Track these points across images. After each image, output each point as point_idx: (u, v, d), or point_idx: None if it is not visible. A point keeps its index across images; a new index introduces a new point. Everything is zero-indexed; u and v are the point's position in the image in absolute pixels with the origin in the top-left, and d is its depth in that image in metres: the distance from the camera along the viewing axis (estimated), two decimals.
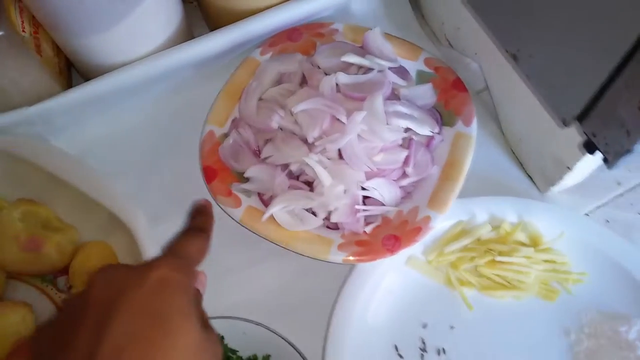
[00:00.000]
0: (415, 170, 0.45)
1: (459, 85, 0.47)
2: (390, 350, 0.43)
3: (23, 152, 0.44)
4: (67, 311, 0.27)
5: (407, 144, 0.45)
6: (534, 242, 0.45)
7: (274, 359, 0.43)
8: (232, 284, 0.46)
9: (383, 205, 0.44)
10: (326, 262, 0.43)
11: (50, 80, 0.47)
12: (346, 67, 0.47)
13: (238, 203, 0.45)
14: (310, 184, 0.45)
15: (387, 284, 0.44)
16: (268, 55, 0.50)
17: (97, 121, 0.49)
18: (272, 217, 0.44)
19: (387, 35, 0.49)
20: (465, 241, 0.45)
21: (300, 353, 0.41)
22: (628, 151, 0.33)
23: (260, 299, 0.46)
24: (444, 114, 0.47)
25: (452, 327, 0.44)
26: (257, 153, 0.47)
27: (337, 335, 0.42)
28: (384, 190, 0.44)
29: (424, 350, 0.43)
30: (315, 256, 0.43)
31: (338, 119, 0.44)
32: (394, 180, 0.45)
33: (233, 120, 0.48)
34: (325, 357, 0.42)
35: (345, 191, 0.43)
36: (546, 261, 0.45)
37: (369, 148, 0.44)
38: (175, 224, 0.46)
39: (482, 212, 0.45)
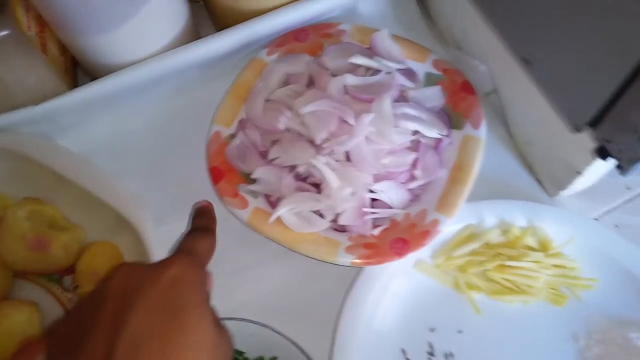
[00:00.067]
0: (424, 173, 0.44)
1: (467, 87, 0.47)
2: (397, 354, 0.43)
3: (29, 151, 0.43)
4: (85, 306, 0.28)
5: (415, 146, 0.45)
6: (544, 247, 0.45)
7: None
8: (238, 285, 0.46)
9: (391, 208, 0.44)
10: (333, 265, 0.42)
11: (56, 79, 0.46)
12: (353, 69, 0.47)
13: (245, 204, 0.44)
14: (317, 186, 0.44)
15: (394, 287, 0.44)
16: (275, 56, 0.49)
17: (102, 121, 0.49)
18: (279, 219, 0.43)
19: (395, 37, 0.49)
20: (474, 245, 0.44)
21: (307, 356, 0.41)
22: None
23: (266, 300, 0.45)
24: (452, 117, 0.47)
25: (460, 332, 0.44)
26: (263, 154, 0.46)
27: (344, 338, 0.42)
28: (391, 193, 0.44)
29: (431, 354, 0.43)
30: (322, 258, 0.42)
31: (346, 121, 0.43)
32: (401, 183, 0.44)
33: (240, 121, 0.47)
34: None
35: (352, 194, 0.43)
36: (555, 266, 0.44)
37: (376, 150, 0.43)
38: (181, 224, 0.46)
39: (491, 216, 0.45)
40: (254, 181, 0.45)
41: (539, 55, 0.36)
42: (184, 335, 0.26)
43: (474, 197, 0.44)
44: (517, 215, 0.45)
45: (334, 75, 0.46)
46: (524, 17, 0.36)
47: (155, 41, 0.46)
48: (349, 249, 0.42)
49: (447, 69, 0.48)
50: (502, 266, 0.44)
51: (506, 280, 0.44)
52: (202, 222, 0.35)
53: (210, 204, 0.37)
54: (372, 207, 0.43)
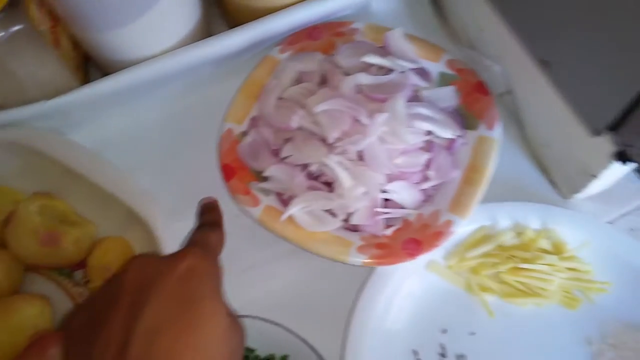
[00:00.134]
0: (437, 174, 0.44)
1: (482, 88, 0.47)
2: (409, 355, 0.43)
3: (41, 146, 0.43)
4: (100, 297, 0.29)
5: (428, 147, 0.45)
6: (557, 250, 0.44)
7: None
8: (248, 282, 0.45)
9: (403, 208, 0.44)
10: (344, 264, 0.42)
11: (68, 74, 0.46)
12: (366, 68, 0.47)
13: (256, 202, 0.44)
14: (329, 185, 0.44)
15: (406, 288, 0.44)
16: (287, 54, 0.49)
17: (114, 116, 0.49)
18: (290, 217, 0.43)
19: (409, 36, 0.49)
20: (488, 247, 0.44)
21: (319, 355, 0.41)
22: None
23: (277, 298, 0.45)
24: (466, 117, 0.46)
25: (472, 333, 0.43)
26: (276, 152, 0.46)
27: (356, 338, 0.41)
28: (404, 193, 0.43)
29: (443, 355, 0.42)
30: (334, 258, 0.42)
31: (359, 120, 0.43)
32: (414, 183, 0.44)
33: (252, 119, 0.47)
34: None
35: (365, 193, 0.43)
36: (569, 269, 0.44)
37: (390, 150, 0.43)
38: (192, 221, 0.46)
39: (505, 217, 0.45)
40: (265, 179, 0.45)
41: (558, 57, 0.35)
42: (199, 326, 0.27)
43: (487, 199, 0.44)
44: (531, 218, 0.45)
45: (346, 74, 0.46)
46: (543, 19, 0.36)
47: (168, 38, 0.45)
48: (360, 249, 0.42)
49: (461, 69, 0.48)
50: (516, 268, 0.43)
51: (519, 282, 0.44)
52: (210, 218, 0.36)
53: (215, 199, 0.38)
54: (385, 207, 0.43)
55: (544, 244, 0.44)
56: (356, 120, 0.43)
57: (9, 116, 0.44)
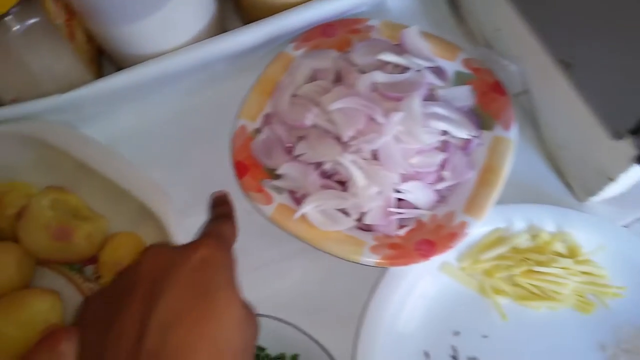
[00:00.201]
0: (452, 174, 0.43)
1: (498, 88, 0.46)
2: (420, 357, 0.42)
3: (54, 140, 0.43)
4: (115, 288, 0.29)
5: (443, 146, 0.44)
6: (572, 253, 0.44)
7: None
8: (259, 280, 0.45)
9: (417, 208, 0.43)
10: (356, 264, 0.42)
11: (82, 68, 0.46)
12: (382, 66, 0.46)
13: (269, 200, 0.44)
14: (343, 184, 0.44)
15: (419, 289, 0.43)
16: (302, 51, 0.49)
17: (127, 111, 0.49)
18: (303, 216, 0.43)
19: (425, 34, 0.48)
20: (502, 249, 0.43)
21: (330, 355, 0.40)
22: None
23: (288, 296, 0.45)
24: (482, 117, 0.46)
25: (484, 336, 0.43)
26: (289, 150, 0.46)
27: (367, 339, 0.41)
28: (418, 194, 0.43)
29: (455, 358, 0.42)
30: (346, 257, 0.42)
31: (374, 119, 0.42)
32: (429, 183, 0.43)
33: (265, 116, 0.47)
34: None
35: (379, 193, 0.42)
36: (584, 273, 0.43)
37: (405, 150, 0.42)
38: (204, 217, 0.46)
39: (519, 219, 0.44)
40: (278, 177, 0.45)
41: (581, 58, 0.34)
42: (214, 315, 0.27)
43: (501, 200, 0.43)
44: (547, 220, 0.44)
45: (362, 72, 0.45)
46: (566, 20, 0.35)
47: (183, 33, 0.45)
48: (373, 249, 0.42)
49: (478, 68, 0.47)
50: (530, 271, 0.43)
51: (533, 285, 0.43)
52: (222, 210, 0.36)
53: (226, 192, 0.38)
54: (398, 207, 0.43)
55: (559, 247, 0.44)
56: (371, 119, 0.42)
57: (23, 109, 0.43)
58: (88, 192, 0.46)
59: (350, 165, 0.42)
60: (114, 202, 0.45)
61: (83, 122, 0.48)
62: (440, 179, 0.44)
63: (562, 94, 0.42)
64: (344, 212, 0.43)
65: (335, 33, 0.49)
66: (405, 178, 0.43)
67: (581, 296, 0.44)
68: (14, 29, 0.38)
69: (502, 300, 0.44)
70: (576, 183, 0.47)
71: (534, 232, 0.44)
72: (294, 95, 0.46)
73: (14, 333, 0.39)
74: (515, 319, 0.43)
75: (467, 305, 0.44)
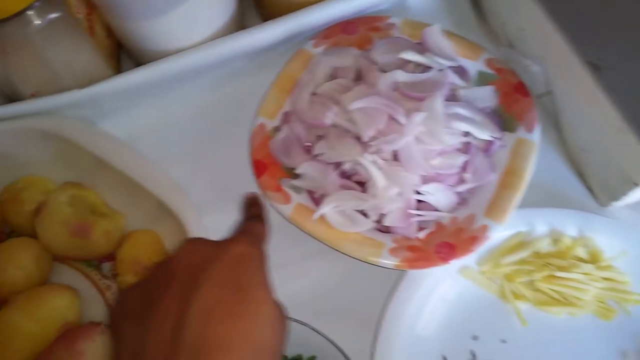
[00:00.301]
0: (474, 177, 0.43)
1: (521, 89, 0.45)
2: None
3: (73, 135, 0.43)
4: (154, 278, 0.29)
5: (465, 148, 0.43)
6: (594, 259, 0.43)
7: None
8: (277, 280, 0.43)
9: (437, 210, 0.43)
10: (374, 266, 0.41)
11: (102, 62, 0.46)
12: (403, 64, 0.45)
13: (288, 200, 0.43)
14: (362, 184, 0.43)
15: (438, 293, 0.43)
16: (322, 48, 0.48)
17: (146, 107, 0.48)
18: (321, 216, 0.42)
19: (447, 32, 0.47)
20: (523, 254, 0.43)
21: (347, 358, 0.40)
22: None
23: (305, 297, 0.45)
24: (504, 119, 0.45)
25: (503, 341, 0.42)
26: (308, 149, 0.45)
27: (386, 342, 0.41)
28: (439, 196, 0.42)
29: None
30: (365, 259, 0.41)
31: (395, 119, 0.42)
32: (450, 185, 0.43)
33: (284, 114, 0.46)
34: None
35: (399, 194, 0.42)
36: (605, 279, 0.43)
37: (426, 151, 0.42)
38: (222, 215, 0.46)
39: (541, 224, 0.43)
40: (297, 176, 0.44)
41: (611, 61, 0.34)
42: (250, 312, 0.27)
43: (522, 203, 0.42)
44: (568, 225, 0.43)
45: (382, 71, 0.45)
46: (596, 21, 0.34)
47: (202, 29, 0.45)
48: (392, 251, 0.41)
49: (501, 68, 0.46)
50: (551, 276, 0.42)
51: (554, 291, 0.43)
52: (254, 211, 0.36)
53: (258, 194, 0.39)
54: (418, 209, 0.42)
55: (581, 252, 0.43)
56: (392, 119, 0.42)
57: (42, 104, 0.43)
58: (106, 189, 0.46)
59: (370, 165, 0.41)
60: (132, 199, 0.44)
61: (102, 118, 0.48)
62: (461, 181, 0.43)
63: (588, 96, 0.41)
64: (363, 213, 0.43)
65: (356, 30, 0.48)
66: (426, 180, 0.42)
67: (602, 302, 0.43)
68: (35, 23, 0.38)
69: (522, 305, 0.43)
70: (598, 187, 0.46)
71: (555, 237, 0.43)
72: (314, 94, 0.46)
73: (32, 329, 0.39)
74: (535, 324, 0.43)
75: (487, 310, 0.43)
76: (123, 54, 0.52)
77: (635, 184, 0.41)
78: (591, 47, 0.35)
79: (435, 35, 0.47)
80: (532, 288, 0.43)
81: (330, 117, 0.44)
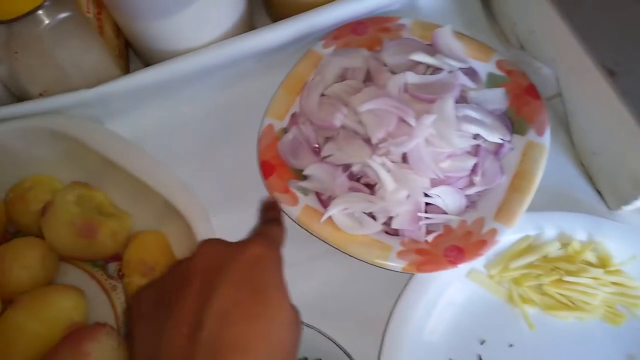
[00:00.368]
0: (483, 180, 0.42)
1: (532, 91, 0.45)
2: None
3: (80, 135, 0.43)
4: (170, 278, 0.29)
5: (474, 151, 0.43)
6: (603, 263, 0.43)
7: None
8: None
9: (446, 213, 0.42)
10: (381, 268, 0.41)
11: (111, 62, 0.45)
12: (413, 66, 0.45)
13: (295, 201, 0.43)
14: (370, 187, 0.43)
15: (446, 296, 0.43)
16: (331, 49, 0.48)
17: (154, 107, 0.48)
18: (329, 218, 0.42)
19: (457, 34, 0.47)
20: (532, 258, 0.42)
21: None
22: None
23: (311, 299, 0.44)
24: (514, 121, 0.45)
25: (510, 345, 0.42)
26: (316, 150, 0.45)
27: (392, 345, 0.41)
28: (448, 199, 0.42)
29: None
30: (372, 262, 0.41)
31: (404, 121, 0.42)
32: (459, 188, 0.42)
33: (293, 115, 0.46)
34: None
35: (408, 197, 0.41)
36: (614, 284, 0.42)
37: (435, 153, 0.41)
38: (230, 216, 0.46)
39: (550, 227, 0.43)
40: (305, 177, 0.44)
41: (628, 65, 0.33)
42: (267, 313, 0.27)
43: (530, 207, 0.42)
44: (578, 229, 0.43)
45: (392, 72, 0.44)
46: (613, 25, 0.34)
47: (212, 30, 0.44)
48: (400, 254, 0.41)
49: (511, 70, 0.46)
50: (559, 281, 0.42)
51: (562, 295, 0.42)
52: (271, 214, 0.37)
53: (276, 199, 0.40)
54: (426, 211, 0.42)
55: (590, 256, 0.43)
56: (402, 121, 0.42)
57: (51, 104, 0.43)
58: (113, 189, 0.45)
59: (379, 168, 0.41)
60: (139, 200, 0.44)
61: (110, 118, 0.47)
62: (471, 184, 0.43)
63: (600, 100, 0.40)
64: (371, 215, 0.42)
65: (366, 31, 0.48)
66: (435, 182, 0.42)
67: (611, 307, 0.43)
68: (45, 23, 0.38)
69: (530, 310, 0.43)
70: (608, 191, 0.46)
71: (564, 241, 0.43)
72: (323, 95, 0.46)
73: (37, 330, 0.39)
74: (543, 328, 0.42)
75: (494, 314, 0.43)
76: (131, 54, 0.52)
77: None
78: (606, 51, 0.35)
79: (446, 37, 0.46)
80: (540, 292, 0.43)
81: (339, 118, 0.44)
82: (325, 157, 0.44)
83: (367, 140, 0.42)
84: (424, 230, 0.42)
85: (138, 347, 0.28)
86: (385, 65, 0.45)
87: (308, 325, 0.42)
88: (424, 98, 0.42)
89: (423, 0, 0.51)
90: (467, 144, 0.42)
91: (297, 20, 0.45)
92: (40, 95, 0.44)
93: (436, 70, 0.45)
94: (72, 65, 0.42)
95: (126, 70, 0.49)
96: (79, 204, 0.43)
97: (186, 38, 0.43)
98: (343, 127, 0.44)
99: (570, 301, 0.43)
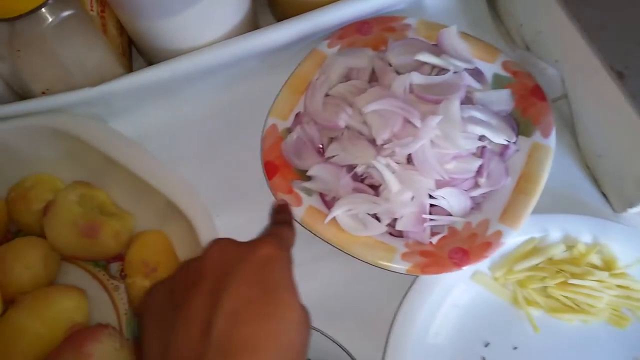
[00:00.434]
0: (488, 181, 0.42)
1: (538, 92, 0.45)
2: None
3: (83, 133, 0.42)
4: (181, 278, 0.29)
5: (479, 152, 0.43)
6: (608, 266, 0.43)
7: None
8: None
9: (450, 215, 0.42)
10: (385, 270, 0.41)
11: (114, 60, 0.45)
12: (419, 66, 0.45)
13: (299, 202, 0.43)
14: (375, 188, 0.43)
15: (450, 298, 0.42)
16: (336, 48, 0.47)
17: (157, 106, 0.48)
18: (333, 220, 0.42)
19: (463, 34, 0.46)
20: (536, 260, 0.42)
21: None
22: None
23: (314, 301, 0.43)
24: (520, 123, 0.44)
25: (515, 348, 0.42)
26: (320, 151, 0.45)
27: (396, 347, 0.40)
28: (453, 200, 0.42)
29: None
30: (376, 263, 0.41)
31: (410, 122, 0.41)
32: (464, 190, 0.42)
33: (297, 115, 0.46)
34: None
35: (412, 198, 0.41)
36: (620, 287, 0.42)
37: (441, 155, 0.41)
38: (233, 216, 0.45)
39: (556, 230, 0.43)
40: (309, 178, 0.44)
41: (638, 68, 0.33)
42: (277, 313, 0.27)
43: (535, 209, 0.42)
44: (583, 231, 0.43)
45: (397, 72, 0.44)
46: (623, 27, 0.33)
47: (216, 29, 0.44)
48: (404, 256, 0.41)
49: (517, 71, 0.45)
50: (564, 283, 0.42)
51: (567, 298, 0.42)
52: (282, 217, 0.37)
53: (286, 202, 0.41)
54: (430, 213, 0.42)
55: (595, 259, 0.43)
56: (407, 122, 0.41)
57: (53, 102, 0.43)
58: (115, 188, 0.45)
59: (384, 169, 0.41)
60: (141, 199, 0.44)
61: (112, 116, 0.47)
62: (476, 186, 0.42)
63: (607, 102, 0.40)
64: (375, 217, 0.42)
65: (371, 31, 0.48)
66: (440, 184, 0.41)
67: (616, 310, 0.43)
68: (48, 21, 0.37)
69: (535, 312, 0.43)
70: (613, 193, 0.45)
71: (569, 243, 0.43)
72: (327, 95, 0.45)
73: (39, 330, 0.38)
74: (547, 331, 0.42)
75: (499, 316, 0.43)
76: (134, 52, 0.51)
77: None
78: (615, 53, 0.35)
79: (452, 37, 0.46)
80: (545, 294, 0.43)
81: (344, 119, 0.43)
82: (329, 158, 0.44)
83: (372, 141, 0.42)
84: (428, 232, 0.41)
85: (148, 347, 0.28)
86: (390, 65, 0.45)
87: (312, 327, 0.41)
88: (429, 99, 0.42)
89: (428, 0, 0.50)
90: (473, 145, 0.42)
91: (302, 19, 0.45)
92: (43, 93, 0.43)
93: (441, 70, 0.44)
94: (75, 63, 0.41)
95: (129, 68, 0.49)
96: (81, 203, 0.42)
97: (190, 37, 0.43)
98: (347, 127, 0.44)
99: (575, 304, 0.42)
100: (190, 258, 0.30)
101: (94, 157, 0.43)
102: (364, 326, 0.43)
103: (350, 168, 0.43)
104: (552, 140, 0.43)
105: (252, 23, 0.48)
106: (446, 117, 0.41)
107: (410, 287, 0.42)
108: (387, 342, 0.41)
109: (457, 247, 0.41)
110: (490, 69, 0.46)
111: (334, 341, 0.41)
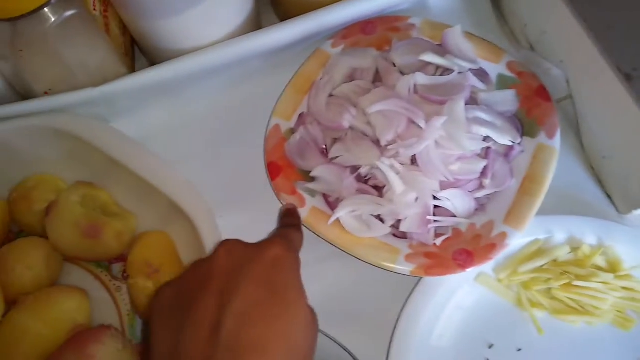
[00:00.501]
0: (493, 182, 0.42)
1: (543, 93, 0.44)
2: None
3: (85, 133, 0.42)
4: (190, 278, 0.29)
5: (484, 153, 0.43)
6: (613, 268, 0.42)
7: None
8: None
9: (455, 216, 0.42)
10: (389, 272, 0.41)
11: (117, 60, 0.45)
12: (423, 67, 0.44)
13: (302, 203, 0.43)
14: (379, 189, 0.42)
15: (455, 300, 0.42)
16: (340, 48, 0.47)
17: (160, 106, 0.48)
18: (337, 221, 0.42)
19: (468, 34, 0.46)
20: (541, 262, 0.42)
21: None
22: None
23: (317, 302, 0.43)
24: (525, 123, 0.44)
25: (519, 350, 0.42)
26: (324, 152, 0.44)
27: (400, 349, 0.40)
28: (457, 202, 0.41)
29: None
30: (380, 265, 0.41)
31: (414, 123, 0.41)
32: (469, 191, 0.42)
33: (300, 115, 0.45)
34: None
35: (417, 200, 0.41)
36: (624, 288, 0.42)
37: (445, 156, 0.41)
38: (236, 217, 0.45)
39: (560, 231, 0.43)
40: (312, 179, 0.44)
41: None
42: (286, 315, 0.27)
43: (539, 210, 0.41)
44: (588, 233, 0.43)
45: (402, 73, 0.44)
46: (630, 28, 0.33)
47: (219, 29, 0.44)
48: (408, 257, 0.41)
49: (522, 72, 0.45)
50: (569, 285, 0.42)
51: (571, 299, 0.42)
52: (290, 220, 0.37)
53: (294, 205, 0.41)
54: (435, 214, 0.41)
55: (600, 261, 0.42)
56: (412, 123, 0.41)
57: (56, 102, 0.42)
58: (117, 188, 0.45)
59: (388, 170, 0.40)
60: (143, 200, 0.44)
61: (115, 116, 0.47)
62: (480, 187, 0.42)
63: (613, 103, 0.40)
64: (379, 218, 0.42)
65: (375, 31, 0.47)
66: (444, 185, 0.41)
67: (620, 312, 0.42)
68: (51, 20, 0.37)
69: (539, 314, 0.42)
70: (618, 194, 0.45)
71: (574, 245, 0.43)
72: (331, 95, 0.45)
73: (41, 331, 0.38)
74: (552, 333, 0.42)
75: (503, 318, 0.42)
76: (137, 52, 0.51)
77: None
78: (623, 54, 0.35)
79: (456, 37, 0.46)
80: (549, 296, 0.43)
81: (348, 119, 0.43)
82: (333, 159, 0.43)
83: (376, 142, 0.42)
84: (432, 233, 0.41)
85: (157, 347, 0.28)
86: (394, 65, 0.45)
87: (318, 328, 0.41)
88: (434, 99, 0.42)
89: (433, 0, 0.50)
90: (478, 146, 0.41)
91: (305, 19, 0.45)
92: (46, 93, 0.43)
93: (446, 71, 0.44)
94: (77, 63, 0.41)
95: (132, 68, 0.49)
96: (83, 204, 0.42)
97: (193, 37, 0.43)
98: (351, 128, 0.43)
99: (580, 306, 0.42)
100: (199, 259, 0.30)
101: (97, 158, 0.43)
102: (367, 328, 0.42)
103: (354, 169, 0.43)
104: (557, 141, 0.43)
105: (255, 23, 0.48)
106: (451, 117, 0.40)
107: (414, 288, 0.42)
108: (390, 344, 0.41)
109: (461, 249, 0.41)
110: (494, 69, 0.46)
111: (337, 343, 0.41)
